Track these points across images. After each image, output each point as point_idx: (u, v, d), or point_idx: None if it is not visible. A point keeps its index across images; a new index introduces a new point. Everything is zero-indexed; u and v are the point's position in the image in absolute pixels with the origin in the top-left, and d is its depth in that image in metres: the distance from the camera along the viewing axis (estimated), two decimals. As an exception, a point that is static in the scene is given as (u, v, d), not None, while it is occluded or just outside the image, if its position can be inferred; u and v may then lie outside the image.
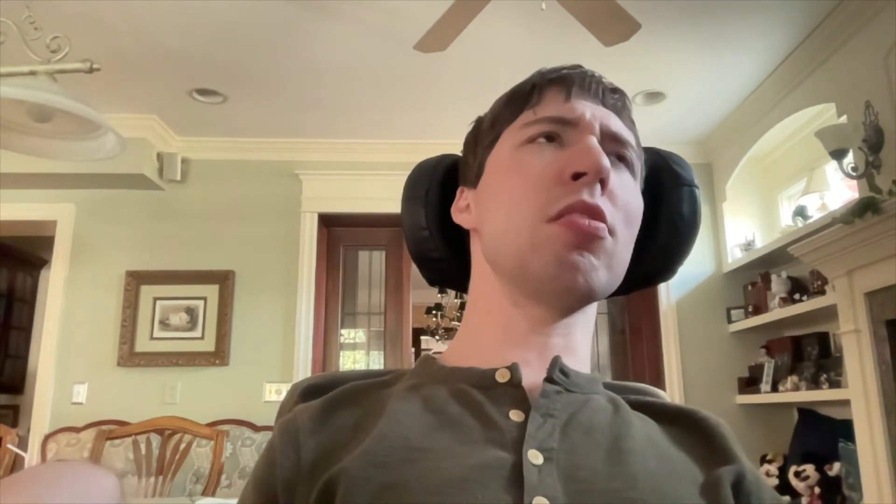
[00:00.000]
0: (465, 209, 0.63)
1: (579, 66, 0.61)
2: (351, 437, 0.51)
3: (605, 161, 0.53)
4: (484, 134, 0.63)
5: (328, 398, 0.56)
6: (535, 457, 0.47)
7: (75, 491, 0.42)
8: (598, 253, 0.53)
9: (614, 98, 0.60)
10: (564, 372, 0.55)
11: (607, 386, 0.62)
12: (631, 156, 0.59)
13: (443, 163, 0.69)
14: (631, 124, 0.61)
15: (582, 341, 0.60)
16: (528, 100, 0.59)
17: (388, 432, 0.50)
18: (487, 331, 0.59)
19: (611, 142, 0.57)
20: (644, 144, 0.70)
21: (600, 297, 0.56)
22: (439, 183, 0.68)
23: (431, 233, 0.67)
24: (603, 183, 0.54)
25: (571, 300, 0.56)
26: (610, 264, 0.55)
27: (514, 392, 0.53)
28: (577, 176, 0.53)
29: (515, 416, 0.52)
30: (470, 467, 0.46)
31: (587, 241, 0.52)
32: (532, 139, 0.57)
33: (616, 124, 0.58)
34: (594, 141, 0.55)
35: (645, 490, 0.47)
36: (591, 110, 0.57)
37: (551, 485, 0.46)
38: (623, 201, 0.56)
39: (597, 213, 0.53)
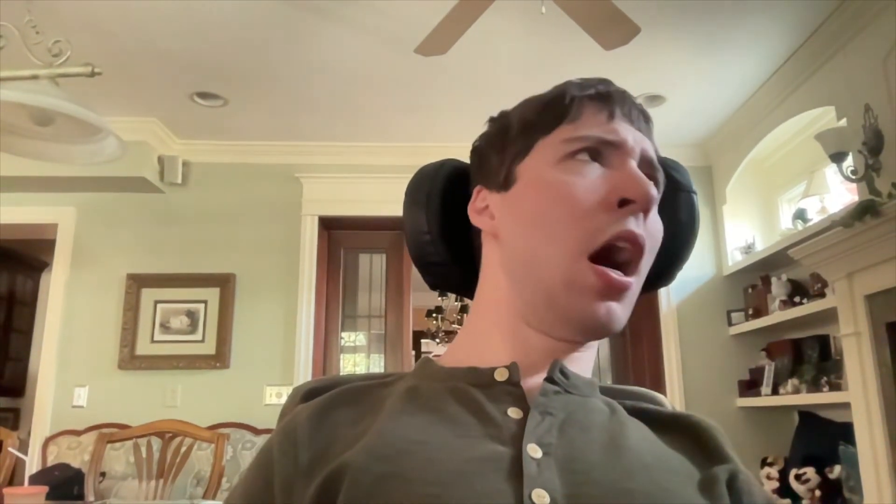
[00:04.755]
0: (484, 210, 0.62)
1: (612, 83, 0.60)
2: (349, 435, 0.51)
3: (654, 191, 0.54)
4: (514, 139, 0.61)
5: (326, 398, 0.56)
6: (534, 451, 0.48)
7: None
8: (623, 300, 0.54)
9: (645, 122, 0.60)
10: (564, 373, 0.56)
11: (605, 390, 0.62)
12: (661, 181, 0.60)
13: (444, 167, 0.69)
14: (656, 147, 0.61)
15: (589, 352, 0.60)
16: (567, 113, 0.58)
17: (387, 429, 0.50)
18: (493, 338, 0.59)
19: (647, 167, 0.57)
20: None
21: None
22: (441, 187, 0.67)
23: (433, 237, 0.67)
24: (646, 213, 0.54)
25: (587, 340, 0.58)
26: (631, 302, 0.56)
27: (512, 390, 0.54)
28: (623, 203, 0.53)
29: (514, 413, 0.52)
30: (468, 460, 0.47)
31: (615, 294, 0.53)
32: (573, 154, 0.56)
33: (651, 150, 0.59)
34: (639, 171, 0.55)
35: (642, 482, 0.47)
36: (632, 135, 0.57)
37: (550, 478, 0.46)
38: (653, 231, 0.56)
39: (639, 245, 0.54)
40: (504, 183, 0.60)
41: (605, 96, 0.58)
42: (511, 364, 0.55)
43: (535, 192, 0.57)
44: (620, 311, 0.54)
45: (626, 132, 0.57)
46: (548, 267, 0.54)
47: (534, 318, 0.57)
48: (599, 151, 0.56)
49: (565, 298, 0.54)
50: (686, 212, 0.66)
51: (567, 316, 0.54)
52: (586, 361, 0.60)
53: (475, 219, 0.63)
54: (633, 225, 0.53)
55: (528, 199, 0.57)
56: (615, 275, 0.53)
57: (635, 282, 0.55)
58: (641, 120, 0.59)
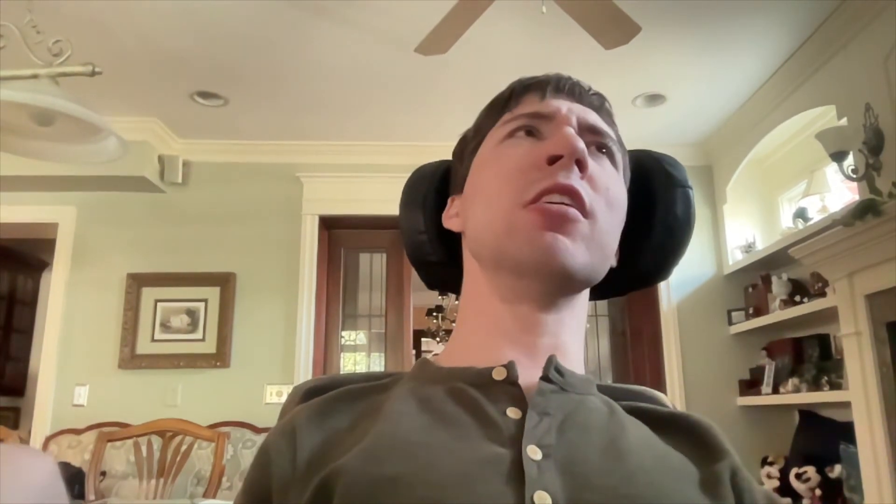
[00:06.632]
0: (455, 216, 0.65)
1: (558, 74, 0.63)
2: (347, 437, 0.51)
3: (581, 144, 0.54)
4: (468, 142, 0.65)
5: (325, 399, 0.56)
6: (534, 452, 0.47)
7: (12, 469, 0.43)
8: (573, 235, 0.54)
9: (591, 97, 0.62)
10: (560, 371, 0.55)
11: (605, 389, 0.61)
12: (611, 146, 0.60)
13: (441, 168, 0.70)
14: (611, 122, 0.62)
15: (572, 342, 0.59)
16: (507, 105, 0.62)
17: (385, 431, 0.50)
18: (479, 331, 0.59)
19: (589, 133, 0.59)
20: (642, 147, 0.71)
21: (581, 279, 0.56)
22: (437, 188, 0.68)
23: (429, 237, 0.67)
24: (580, 165, 0.55)
25: (550, 281, 0.56)
26: (589, 247, 0.55)
27: (510, 390, 0.53)
28: (553, 160, 0.55)
29: (512, 413, 0.52)
30: (469, 462, 0.47)
31: (558, 224, 0.53)
32: (511, 134, 0.59)
33: (593, 118, 0.60)
34: (570, 129, 0.56)
35: (642, 486, 0.47)
36: (566, 106, 0.59)
37: (551, 480, 0.46)
38: (604, 186, 0.57)
39: (573, 194, 0.54)
40: (463, 181, 0.64)
41: (541, 81, 0.62)
42: (509, 363, 0.55)
43: (478, 173, 0.61)
44: (570, 244, 0.54)
45: (559, 104, 0.59)
46: (491, 226, 0.56)
47: (501, 284, 0.58)
48: (536, 128, 0.59)
49: (510, 242, 0.55)
50: (682, 207, 0.66)
51: (518, 259, 0.55)
52: (573, 353, 0.59)
53: (448, 223, 0.66)
54: (563, 177, 0.54)
55: (474, 181, 0.61)
56: (553, 205, 0.53)
57: (586, 224, 0.54)
58: (585, 95, 0.62)
